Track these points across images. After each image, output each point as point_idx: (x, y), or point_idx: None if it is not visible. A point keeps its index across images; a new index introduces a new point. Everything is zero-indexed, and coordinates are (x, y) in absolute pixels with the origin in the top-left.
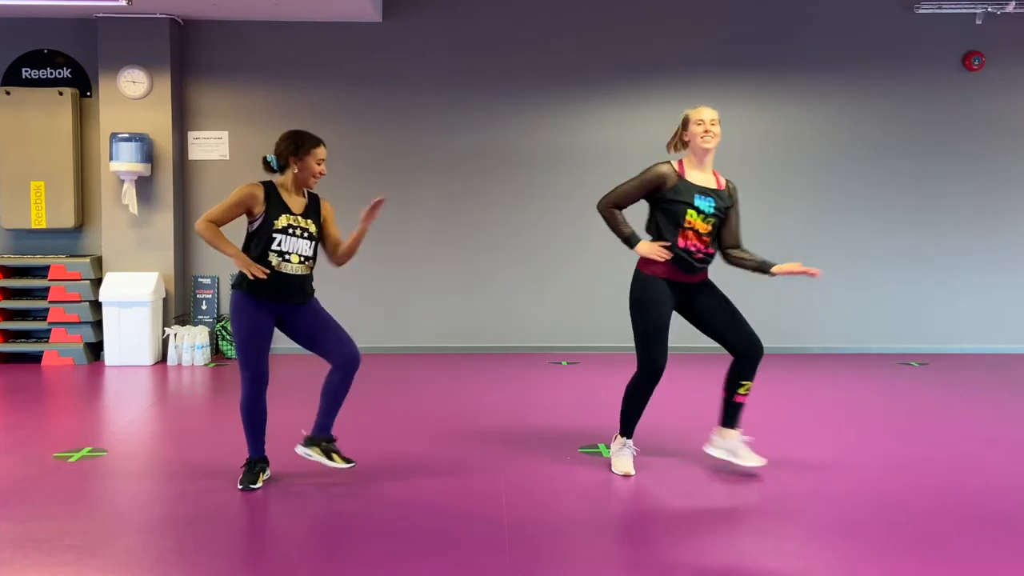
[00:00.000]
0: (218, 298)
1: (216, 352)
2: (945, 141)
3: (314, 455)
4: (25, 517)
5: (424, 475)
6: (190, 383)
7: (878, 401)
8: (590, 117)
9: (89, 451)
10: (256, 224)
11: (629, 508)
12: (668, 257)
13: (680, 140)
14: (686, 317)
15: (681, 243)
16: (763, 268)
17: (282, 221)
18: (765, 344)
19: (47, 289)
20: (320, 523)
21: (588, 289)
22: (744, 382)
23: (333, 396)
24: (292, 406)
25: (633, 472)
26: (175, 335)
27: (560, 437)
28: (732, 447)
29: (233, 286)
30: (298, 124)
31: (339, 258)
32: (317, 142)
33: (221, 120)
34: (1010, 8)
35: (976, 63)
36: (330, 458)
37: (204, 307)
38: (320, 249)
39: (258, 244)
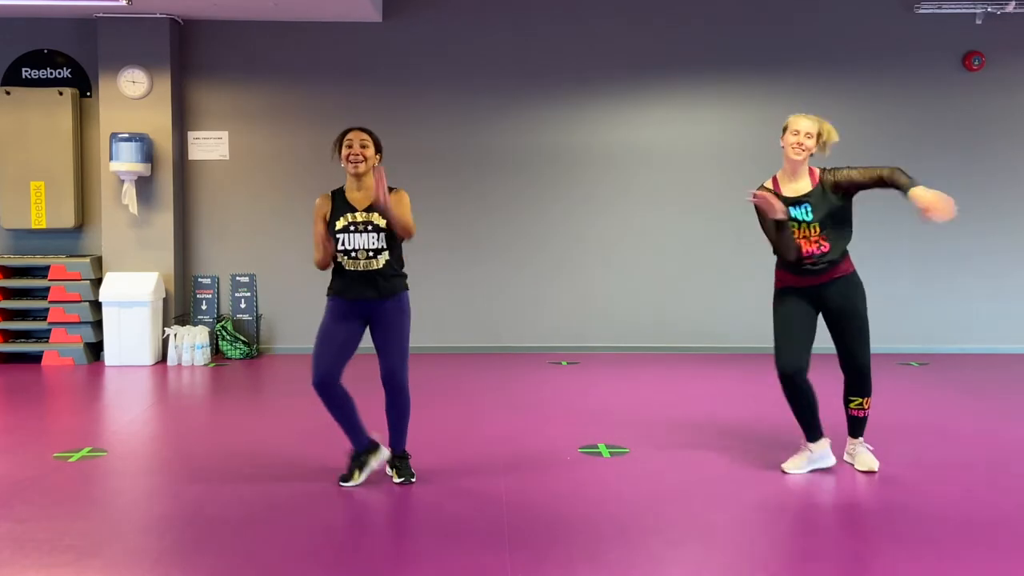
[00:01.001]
0: (218, 298)
1: (216, 352)
2: (945, 141)
3: (388, 471)
4: (25, 517)
5: (424, 475)
6: (190, 383)
7: (878, 401)
8: (591, 117)
9: (89, 451)
10: (329, 229)
11: (629, 508)
12: (779, 209)
13: (781, 146)
14: (826, 323)
15: (804, 251)
16: (905, 188)
17: (341, 222)
18: (765, 344)
19: (47, 289)
20: (319, 523)
21: (588, 289)
22: (853, 398)
23: (388, 416)
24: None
25: (791, 471)
26: (175, 335)
27: (560, 437)
28: (852, 451)
29: (327, 294)
30: (298, 124)
31: (397, 230)
32: (345, 131)
33: (221, 120)
34: (1010, 8)
35: (976, 63)
36: (392, 471)
37: (204, 307)
38: (394, 236)
39: (334, 248)
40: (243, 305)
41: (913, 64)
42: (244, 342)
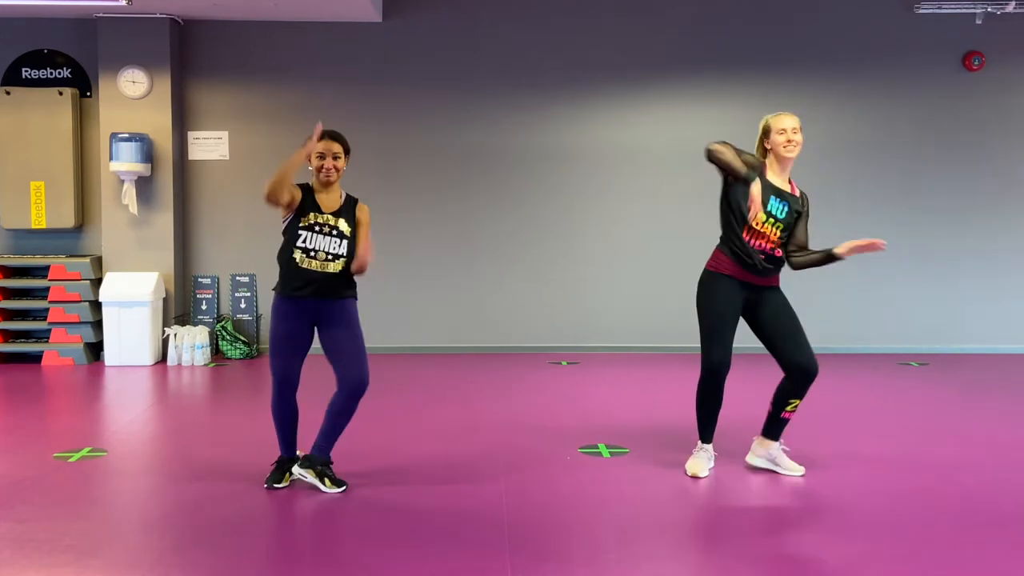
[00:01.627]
0: (218, 298)
1: (216, 352)
2: (945, 141)
3: (308, 477)
4: (25, 517)
5: (424, 475)
6: (190, 383)
7: (878, 401)
8: (591, 117)
9: (89, 451)
10: (287, 221)
11: (629, 508)
12: (758, 213)
13: (762, 148)
14: (748, 322)
15: (745, 237)
16: (830, 256)
17: (309, 219)
18: (761, 344)
19: (47, 289)
20: (319, 523)
21: (588, 289)
22: (793, 400)
23: (333, 419)
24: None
25: (702, 474)
26: (175, 335)
27: (560, 437)
28: (773, 456)
29: (273, 289)
30: (298, 124)
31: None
32: (319, 138)
33: (221, 120)
34: (1010, 8)
35: (976, 63)
36: (322, 482)
37: (204, 307)
38: (353, 246)
39: (287, 240)
40: (243, 305)
41: (913, 64)
42: (244, 342)
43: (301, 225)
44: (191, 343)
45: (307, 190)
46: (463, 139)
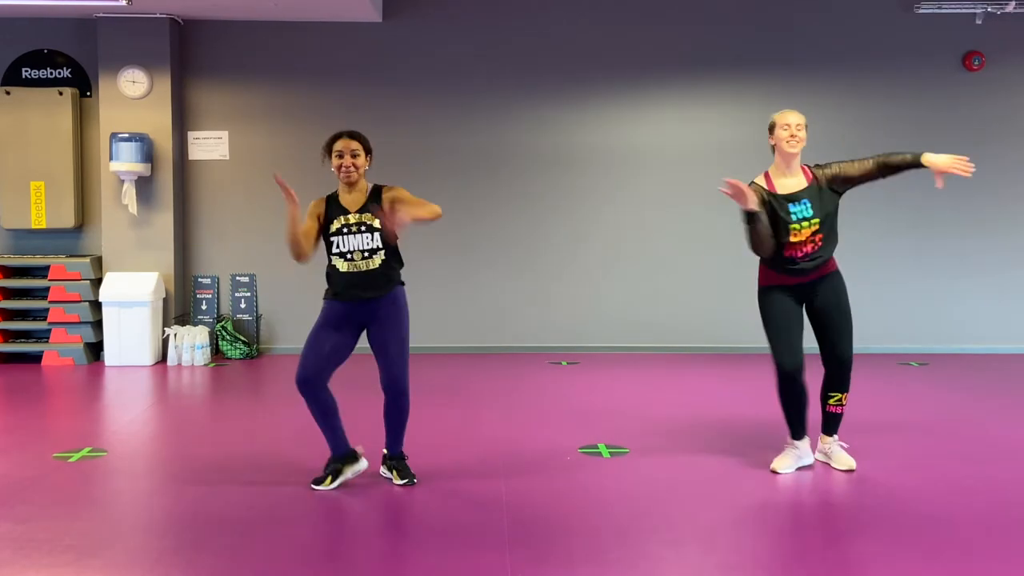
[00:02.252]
0: (218, 298)
1: (216, 352)
2: (945, 141)
3: (385, 472)
4: (25, 517)
5: (424, 475)
6: (190, 383)
7: (878, 401)
8: (591, 117)
9: (89, 451)
10: (323, 234)
11: (629, 508)
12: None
13: (770, 145)
14: (809, 319)
15: (788, 253)
16: (914, 161)
17: (335, 224)
18: (764, 343)
19: (47, 289)
20: (319, 523)
21: (588, 289)
22: (833, 394)
23: (387, 418)
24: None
25: (781, 470)
26: (175, 335)
27: (560, 437)
28: (827, 450)
29: (324, 298)
30: (298, 124)
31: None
32: (335, 137)
33: (221, 120)
34: (1010, 8)
35: (976, 63)
36: (392, 473)
37: (204, 307)
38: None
39: (327, 251)
40: (243, 305)
41: (913, 64)
42: (244, 342)
43: (331, 232)
44: (191, 343)
45: (331, 198)
46: (463, 139)
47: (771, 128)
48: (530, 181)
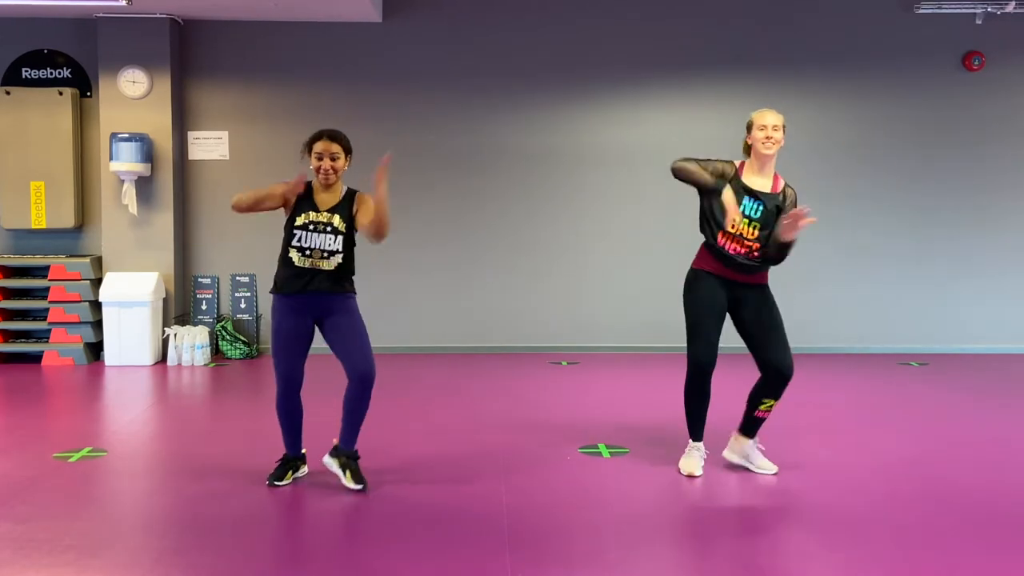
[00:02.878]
0: (218, 298)
1: (216, 352)
2: (945, 141)
3: (333, 467)
4: (25, 517)
5: (424, 475)
6: (190, 383)
7: (878, 401)
8: (591, 117)
9: (89, 451)
10: (286, 220)
11: (629, 508)
12: (735, 219)
13: (745, 143)
14: (733, 320)
15: (720, 242)
16: (776, 238)
17: (302, 219)
18: None
19: (47, 289)
20: (319, 523)
21: (588, 289)
22: (767, 400)
23: (348, 411)
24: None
25: (697, 473)
26: (175, 335)
27: (560, 437)
28: (747, 453)
29: (270, 291)
30: (298, 124)
31: (369, 230)
32: (315, 137)
33: (221, 120)
34: (1010, 8)
35: (976, 63)
36: (344, 473)
37: (204, 307)
38: (351, 240)
39: (284, 239)
40: (243, 305)
41: (913, 64)
42: (244, 342)
43: (296, 224)
44: (191, 343)
45: (308, 189)
46: (463, 139)
47: (748, 127)
48: (530, 180)
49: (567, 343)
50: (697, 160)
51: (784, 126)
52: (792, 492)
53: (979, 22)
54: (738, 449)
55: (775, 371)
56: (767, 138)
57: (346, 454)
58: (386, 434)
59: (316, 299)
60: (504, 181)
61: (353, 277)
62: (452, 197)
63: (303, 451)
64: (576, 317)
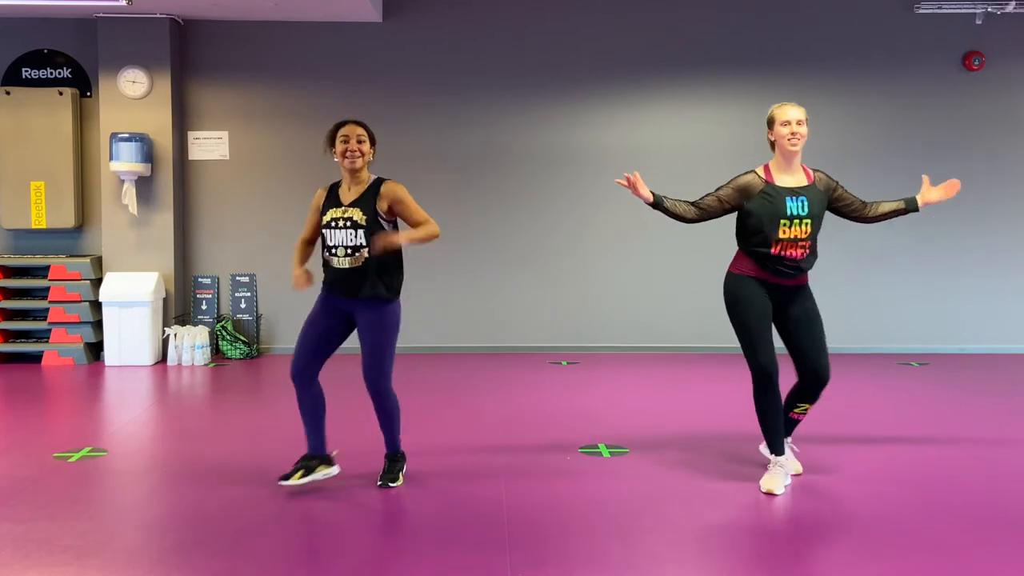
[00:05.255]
0: (218, 298)
1: (216, 352)
2: (945, 141)
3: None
4: (25, 517)
5: (424, 475)
6: (190, 383)
7: (879, 401)
8: (590, 117)
9: (89, 451)
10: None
11: (629, 508)
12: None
13: (769, 140)
14: (774, 321)
15: (775, 251)
16: (910, 206)
17: (327, 216)
18: None
19: (47, 289)
20: (319, 523)
21: (588, 289)
22: (801, 404)
23: (377, 419)
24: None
25: (778, 491)
26: (175, 335)
27: (560, 437)
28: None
29: None
30: (298, 124)
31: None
32: (340, 123)
33: (221, 120)
34: (1010, 8)
35: (976, 63)
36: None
37: (204, 307)
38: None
39: (322, 242)
40: (243, 305)
41: (913, 64)
42: (244, 342)
43: (323, 223)
44: (191, 343)
45: (333, 187)
46: (463, 140)
47: (770, 123)
48: (530, 180)
49: (567, 343)
50: (713, 193)
51: (807, 119)
52: (791, 492)
53: (979, 22)
54: (781, 471)
55: (813, 378)
56: (792, 134)
57: (386, 455)
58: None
59: (346, 303)
60: (504, 181)
61: (394, 280)
62: (452, 197)
63: (330, 452)
64: (576, 317)
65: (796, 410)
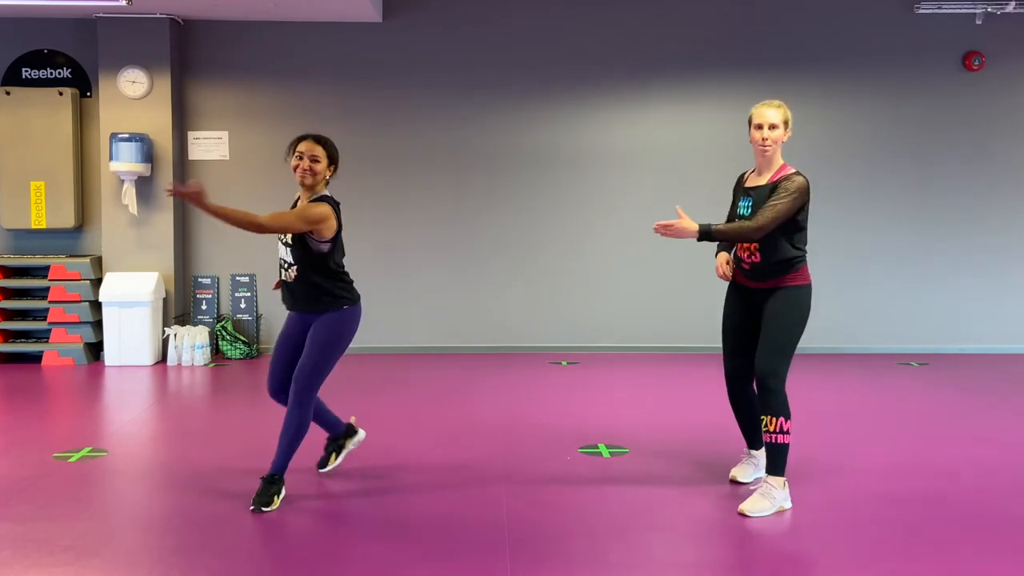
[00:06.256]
0: (218, 298)
1: (216, 352)
2: (945, 141)
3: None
4: (25, 517)
5: (424, 475)
6: (190, 383)
7: (879, 401)
8: (590, 117)
9: (89, 451)
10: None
11: (629, 508)
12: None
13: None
14: (754, 324)
15: (736, 251)
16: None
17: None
18: None
19: (47, 289)
20: (319, 523)
21: (588, 289)
22: (762, 416)
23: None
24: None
25: (743, 479)
26: (175, 335)
27: (560, 437)
28: (759, 463)
29: None
30: (298, 124)
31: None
32: (301, 137)
33: (221, 120)
34: (1010, 8)
35: (976, 63)
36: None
37: (204, 307)
38: (306, 253)
39: None
40: (243, 305)
41: (913, 64)
42: (244, 342)
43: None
44: (191, 343)
45: (296, 200)
46: (463, 139)
47: (749, 121)
48: (530, 180)
49: (567, 343)
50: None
51: (786, 121)
52: (791, 492)
53: (979, 22)
54: (751, 463)
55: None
56: (763, 139)
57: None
58: (386, 434)
59: (297, 315)
60: (505, 180)
61: (335, 289)
62: (451, 197)
63: (348, 422)
64: (576, 317)
65: (761, 425)
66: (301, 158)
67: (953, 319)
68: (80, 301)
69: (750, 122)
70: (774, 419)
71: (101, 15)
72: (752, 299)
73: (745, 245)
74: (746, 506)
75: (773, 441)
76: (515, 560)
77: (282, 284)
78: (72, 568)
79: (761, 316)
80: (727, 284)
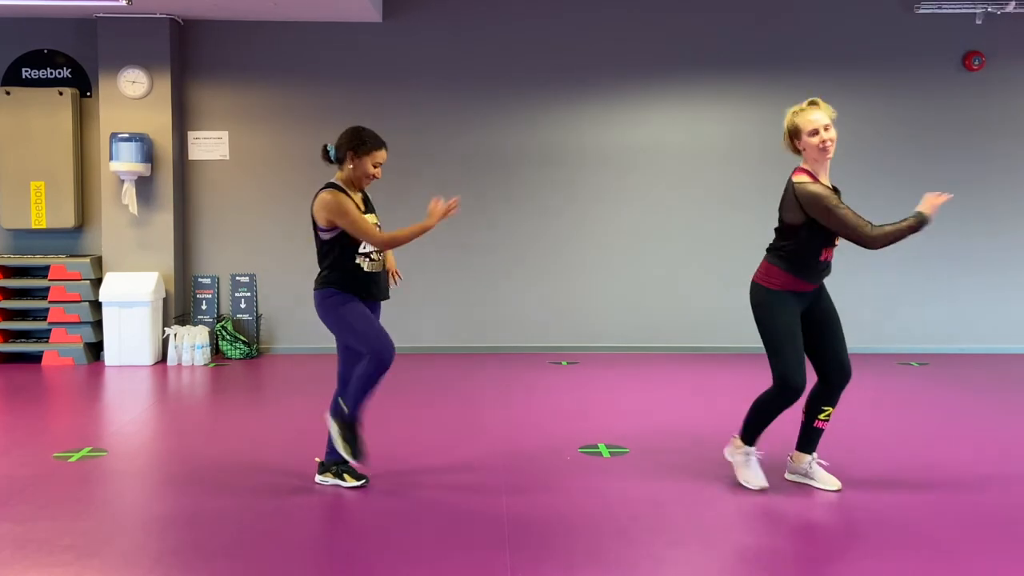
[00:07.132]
0: (218, 298)
1: (216, 352)
2: (945, 141)
3: (328, 480)
4: (25, 517)
5: (424, 475)
6: (190, 383)
7: (879, 401)
8: (590, 117)
9: (89, 451)
10: (337, 232)
11: (629, 508)
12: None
13: (793, 147)
14: (806, 324)
15: (823, 257)
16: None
17: (369, 220)
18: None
19: (47, 289)
20: (319, 523)
21: (588, 289)
22: (825, 408)
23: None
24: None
25: (767, 484)
26: (175, 335)
27: (560, 437)
28: (805, 470)
29: (322, 286)
30: (298, 124)
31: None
32: (379, 144)
33: (221, 120)
34: (1010, 8)
35: (976, 63)
36: (342, 479)
37: (204, 307)
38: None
39: (344, 250)
40: (243, 305)
41: (913, 64)
42: (244, 342)
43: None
44: (191, 343)
45: (344, 191)
46: (463, 139)
47: (794, 132)
48: (530, 181)
49: (567, 343)
50: (844, 207)
51: (832, 116)
52: (791, 493)
53: (979, 22)
54: (796, 467)
55: (835, 373)
56: (825, 141)
57: (334, 462)
58: (386, 434)
59: (373, 306)
60: (505, 181)
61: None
62: (451, 197)
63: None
64: (576, 317)
65: (820, 416)
66: (378, 165)
67: (953, 319)
68: (80, 301)
69: (797, 133)
70: (832, 410)
71: (101, 15)
72: (806, 302)
73: (835, 240)
74: (832, 483)
75: (824, 428)
76: (515, 560)
77: (368, 278)
78: (72, 568)
79: (812, 315)
80: (772, 294)
